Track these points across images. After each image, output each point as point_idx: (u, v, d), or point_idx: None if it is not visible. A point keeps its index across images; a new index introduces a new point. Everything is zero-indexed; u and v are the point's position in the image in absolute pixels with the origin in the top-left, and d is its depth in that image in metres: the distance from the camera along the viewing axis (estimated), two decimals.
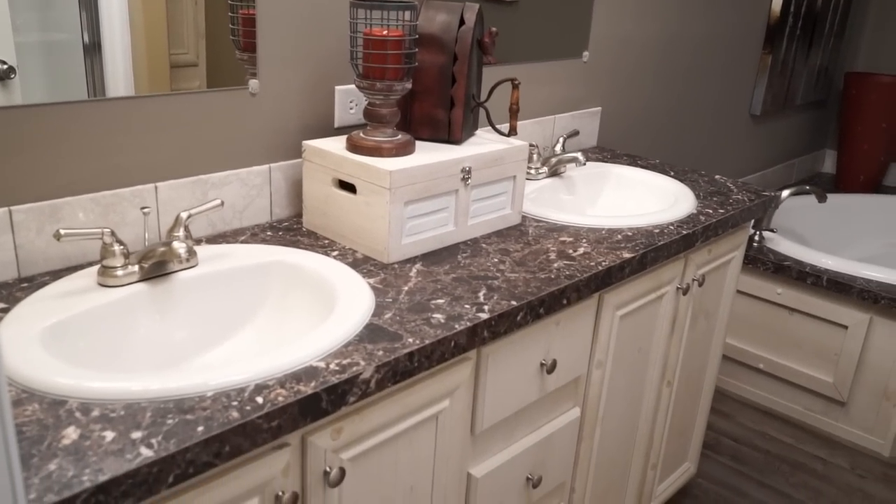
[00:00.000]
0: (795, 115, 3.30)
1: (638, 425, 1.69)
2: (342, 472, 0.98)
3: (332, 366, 0.94)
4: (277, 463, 0.91)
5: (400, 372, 0.99)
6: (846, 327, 2.41)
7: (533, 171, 1.77)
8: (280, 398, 0.86)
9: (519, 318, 1.16)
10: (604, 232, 1.48)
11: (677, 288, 1.61)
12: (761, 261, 2.52)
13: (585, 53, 2.02)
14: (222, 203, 1.20)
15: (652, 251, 1.42)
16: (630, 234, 1.48)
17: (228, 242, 1.31)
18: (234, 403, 0.85)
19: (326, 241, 1.34)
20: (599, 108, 2.14)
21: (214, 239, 1.32)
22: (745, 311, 2.63)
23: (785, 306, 2.54)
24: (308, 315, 1.15)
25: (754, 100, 2.90)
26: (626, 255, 1.37)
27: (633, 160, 2.02)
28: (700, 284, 1.68)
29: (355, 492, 1.03)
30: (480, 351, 1.16)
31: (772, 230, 2.63)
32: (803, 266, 2.46)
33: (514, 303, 1.15)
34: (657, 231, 1.50)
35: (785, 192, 2.67)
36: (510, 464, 1.31)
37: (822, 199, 2.70)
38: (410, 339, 1.02)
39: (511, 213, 1.47)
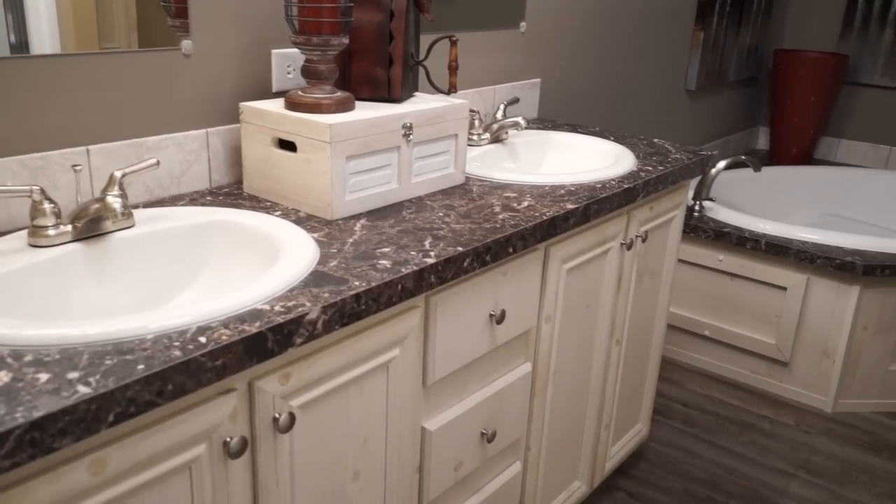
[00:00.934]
0: (729, 92, 3.38)
1: (589, 383, 1.70)
2: (292, 417, 0.96)
3: (276, 307, 0.92)
4: (224, 408, 0.89)
5: (347, 314, 0.98)
6: (785, 289, 2.48)
7: (475, 138, 1.77)
8: (224, 337, 0.84)
9: (466, 263, 1.15)
10: (547, 188, 1.49)
11: (621, 244, 1.63)
12: (702, 229, 2.58)
13: (523, 24, 2.04)
14: (158, 163, 1.17)
15: (595, 203, 1.44)
16: (573, 189, 1.49)
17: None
18: (176, 344, 0.83)
19: (269, 203, 1.32)
20: (539, 79, 2.16)
21: (152, 205, 1.28)
22: (689, 279, 2.68)
23: (726, 272, 2.60)
24: (252, 271, 1.13)
25: (689, 75, 2.97)
26: (570, 206, 1.38)
27: (573, 128, 2.05)
28: (643, 241, 1.71)
29: (307, 440, 1.01)
30: (429, 300, 1.16)
31: (711, 199, 2.70)
32: (742, 232, 2.52)
33: (459, 249, 1.15)
34: (599, 186, 1.52)
35: (721, 163, 2.74)
36: (464, 418, 1.31)
37: (757, 168, 2.77)
38: (357, 283, 1.01)
39: (455, 173, 1.47)
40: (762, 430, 2.39)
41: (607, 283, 1.63)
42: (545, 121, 2.15)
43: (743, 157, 2.76)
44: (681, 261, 2.68)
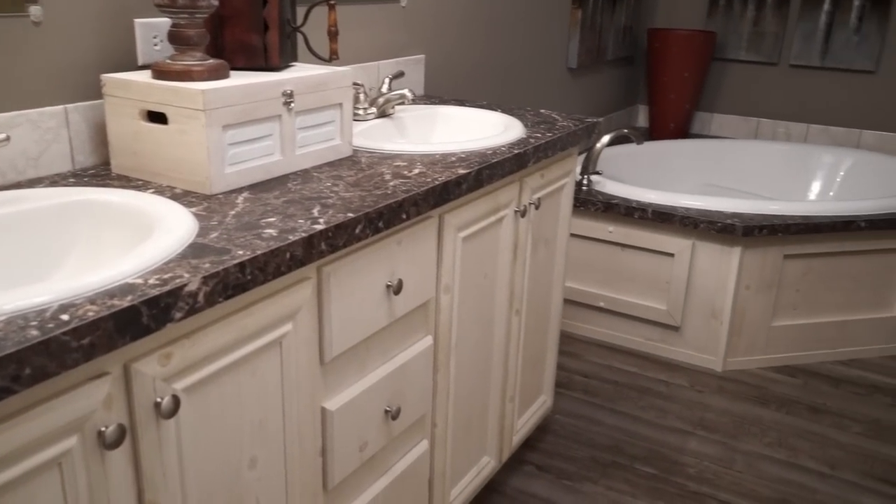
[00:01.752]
0: (609, 70, 3.47)
1: (492, 355, 1.68)
2: (176, 401, 0.88)
3: (151, 280, 0.84)
4: (96, 394, 0.80)
5: (231, 285, 0.90)
6: (673, 255, 2.56)
7: (361, 112, 1.71)
8: (90, 314, 0.76)
9: (358, 230, 1.10)
10: (438, 156, 1.45)
11: (515, 211, 1.62)
12: (591, 202, 2.62)
13: None
14: (8, 138, 1.06)
15: (487, 168, 1.41)
16: (464, 156, 1.46)
17: None
18: (34, 323, 0.73)
19: (141, 182, 1.22)
20: (423, 55, 2.13)
21: (4, 189, 1.16)
22: (582, 253, 2.73)
23: (617, 243, 2.65)
24: (124, 251, 1.04)
25: (570, 53, 3.02)
26: (462, 171, 1.35)
27: (460, 103, 2.03)
28: (537, 208, 1.70)
29: (195, 425, 0.93)
30: (321, 270, 1.10)
31: (598, 173, 2.75)
32: (630, 202, 2.58)
33: (350, 215, 1.09)
34: (490, 152, 1.50)
35: (606, 138, 2.79)
36: (366, 395, 1.25)
37: (639, 141, 2.85)
38: (240, 252, 0.93)
39: (341, 144, 1.41)
40: (659, 393, 2.45)
41: (503, 251, 1.62)
42: (432, 97, 2.12)
43: (625, 131, 2.82)
44: (573, 235, 2.72)
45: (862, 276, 2.61)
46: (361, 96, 1.72)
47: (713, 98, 3.71)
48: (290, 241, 0.98)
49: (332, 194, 1.19)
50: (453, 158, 1.44)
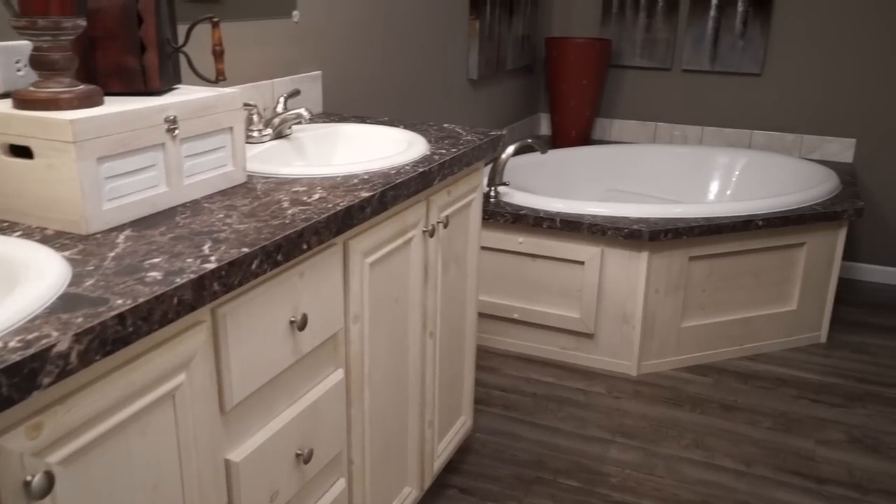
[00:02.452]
0: (509, 80, 3.47)
1: (408, 382, 1.62)
2: (49, 478, 0.77)
3: (12, 343, 0.73)
4: None
5: (111, 340, 0.80)
6: (583, 263, 2.56)
7: (256, 134, 1.62)
8: None
9: (254, 266, 1.01)
10: (339, 179, 1.38)
11: (423, 231, 1.56)
12: (500, 213, 2.60)
13: (295, 13, 1.91)
14: None
15: (391, 189, 1.35)
16: (367, 177, 1.39)
17: None
18: None
19: (6, 224, 1.09)
20: (319, 71, 2.05)
21: None
22: (493, 265, 2.70)
23: (528, 254, 2.64)
24: None
25: (470, 64, 2.99)
26: (365, 194, 1.28)
27: (361, 119, 1.96)
28: (445, 226, 1.65)
29: (75, 500, 0.82)
30: (216, 312, 1.00)
31: (505, 184, 2.73)
32: (538, 212, 2.57)
33: (245, 249, 1.00)
34: (394, 172, 1.43)
35: (510, 148, 2.78)
36: (274, 441, 1.16)
37: (543, 150, 2.85)
38: (120, 301, 0.83)
39: (234, 171, 1.32)
40: (577, 402, 2.44)
41: (414, 273, 1.56)
42: (331, 114, 2.04)
43: (529, 141, 2.82)
44: (483, 248, 2.69)
45: (762, 272, 2.69)
46: (255, 117, 1.63)
47: (612, 104, 3.78)
48: (177, 285, 0.88)
49: (224, 227, 1.09)
50: (356, 180, 1.37)
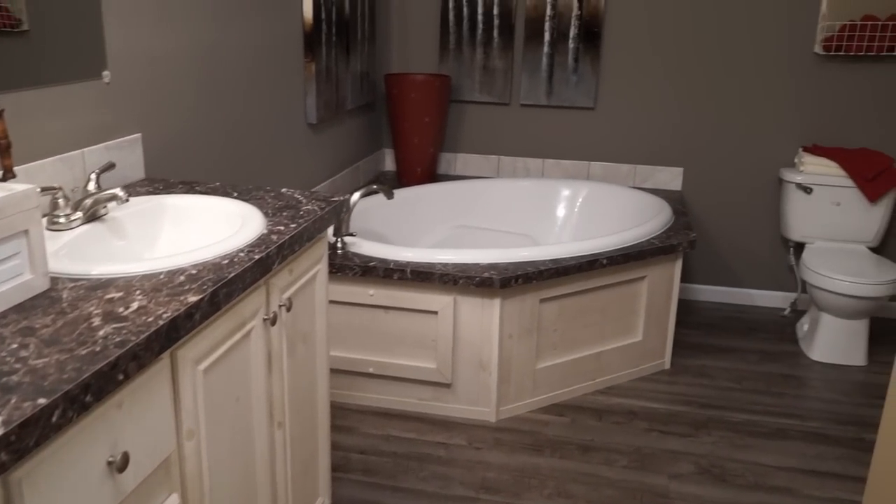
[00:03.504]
0: (350, 120, 3.38)
1: (256, 483, 1.48)
2: None
3: None
4: None
5: None
6: (436, 312, 2.51)
7: (63, 220, 1.43)
8: None
9: (55, 418, 0.86)
10: (163, 276, 1.23)
11: (264, 319, 1.43)
12: (348, 266, 2.49)
13: (106, 73, 1.72)
14: None
15: (223, 286, 1.22)
16: (195, 272, 1.25)
17: None
18: None
19: None
20: (139, 134, 1.86)
21: None
22: (345, 319, 2.59)
23: (380, 306, 2.55)
24: None
25: (308, 109, 2.87)
26: (193, 298, 1.14)
27: (190, 187, 1.79)
28: (288, 310, 1.53)
29: None
30: (7, 480, 0.84)
31: (352, 234, 2.63)
32: (387, 263, 2.49)
33: (43, 401, 0.85)
34: (226, 262, 1.30)
35: (356, 196, 2.69)
36: None
37: (389, 196, 2.78)
38: None
39: (32, 279, 1.13)
40: (439, 458, 2.38)
41: (256, 367, 1.42)
42: (155, 181, 1.86)
43: (375, 187, 2.74)
44: (334, 302, 2.57)
45: (608, 308, 2.75)
46: (61, 201, 1.43)
47: (455, 139, 3.78)
48: None
49: (18, 365, 0.92)
50: (182, 277, 1.22)
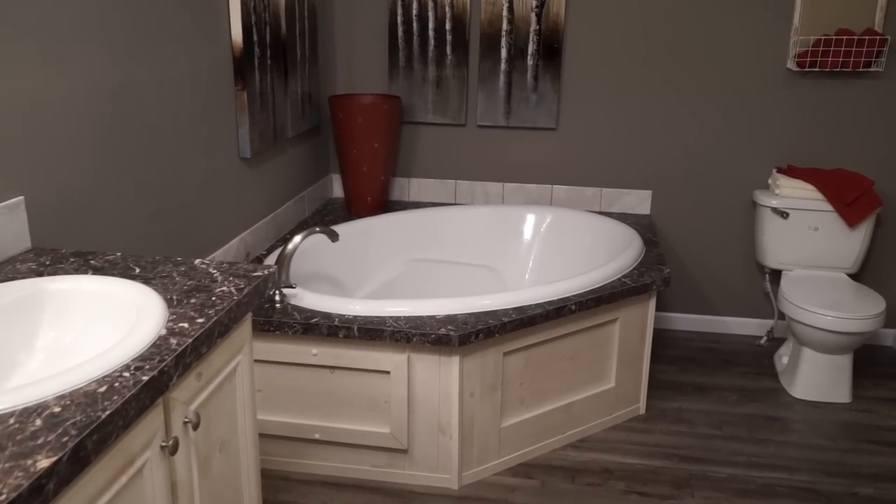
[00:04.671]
0: (292, 149, 3.09)
1: None
2: None
3: None
4: None
5: None
6: (388, 372, 2.24)
7: None
8: None
9: None
10: (13, 420, 0.94)
11: (162, 446, 1.15)
12: (287, 324, 2.21)
13: None
14: None
15: (93, 433, 0.93)
16: (58, 409, 0.97)
17: None
18: None
19: None
20: (22, 196, 1.56)
21: None
22: (285, 382, 2.30)
23: (325, 366, 2.27)
24: None
25: (241, 142, 2.58)
26: (45, 461, 0.86)
27: (84, 261, 1.50)
28: (195, 427, 1.24)
29: None
30: None
31: (291, 286, 2.34)
32: (332, 319, 2.22)
33: None
34: (104, 389, 1.02)
35: (297, 239, 2.40)
36: None
37: (333, 238, 2.50)
38: None
39: None
40: None
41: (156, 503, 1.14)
42: (43, 252, 1.56)
43: (318, 229, 2.46)
44: (272, 362, 2.29)
45: (578, 354, 2.52)
46: None
47: (408, 163, 3.51)
48: None
49: None
50: (38, 422, 0.94)
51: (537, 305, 2.33)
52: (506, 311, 2.29)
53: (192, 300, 1.32)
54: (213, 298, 1.33)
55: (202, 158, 2.34)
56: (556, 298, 2.38)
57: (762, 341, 3.35)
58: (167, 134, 2.12)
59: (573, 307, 2.37)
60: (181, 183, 2.22)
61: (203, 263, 1.50)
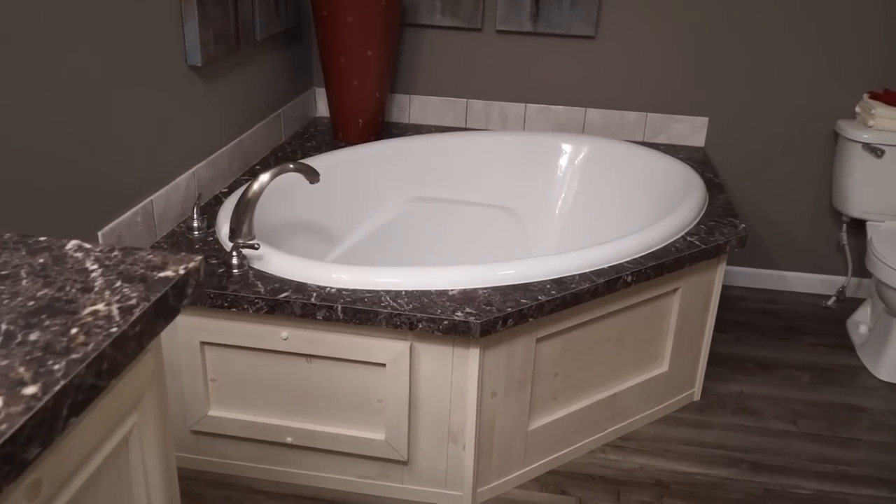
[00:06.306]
0: (263, 56, 2.43)
1: None
2: None
3: None
4: None
5: None
6: (384, 365, 1.68)
7: None
8: None
9: None
10: None
11: None
12: (248, 300, 1.63)
13: None
14: None
15: None
16: None
17: None
18: None
19: None
20: None
21: None
22: (246, 370, 1.74)
23: (299, 353, 1.71)
24: None
25: (188, 44, 1.93)
26: None
27: None
28: None
29: None
30: None
31: (254, 246, 1.74)
32: (308, 295, 1.63)
33: None
34: None
35: (264, 177, 1.78)
36: None
37: (313, 178, 1.89)
38: None
39: None
40: None
41: None
42: None
43: (291, 166, 1.84)
44: (227, 346, 1.72)
45: (627, 335, 1.95)
46: None
47: (410, 76, 2.85)
48: None
49: None
50: None
51: (583, 277, 1.75)
52: (542, 286, 1.71)
53: (34, 336, 0.73)
54: (74, 331, 0.74)
55: (132, 67, 1.69)
56: (606, 266, 1.80)
57: (830, 302, 2.80)
58: (77, 35, 1.47)
59: (629, 278, 1.79)
60: (98, 101, 1.59)
61: (79, 251, 0.90)
